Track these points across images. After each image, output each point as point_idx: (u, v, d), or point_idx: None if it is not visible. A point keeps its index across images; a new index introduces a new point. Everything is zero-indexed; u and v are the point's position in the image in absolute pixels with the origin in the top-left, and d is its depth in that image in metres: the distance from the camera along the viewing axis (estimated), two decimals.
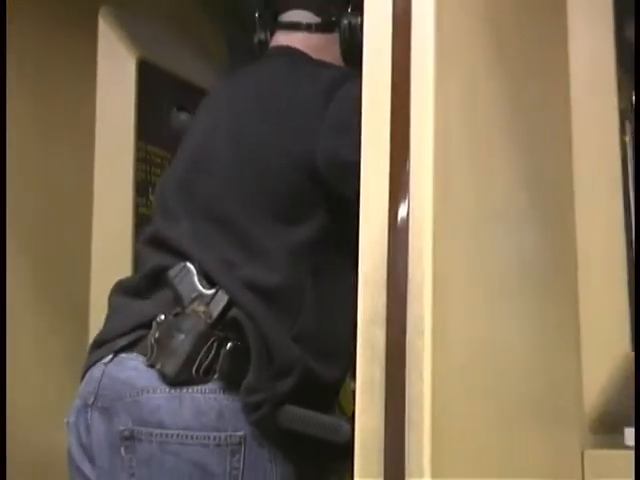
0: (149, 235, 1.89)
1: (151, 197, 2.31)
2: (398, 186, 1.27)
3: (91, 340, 2.15)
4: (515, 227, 1.51)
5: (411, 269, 1.23)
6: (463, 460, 1.26)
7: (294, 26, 1.97)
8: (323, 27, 1.96)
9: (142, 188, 2.30)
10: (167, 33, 2.50)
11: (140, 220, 2.29)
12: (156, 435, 1.61)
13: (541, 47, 1.70)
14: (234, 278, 1.68)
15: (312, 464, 1.70)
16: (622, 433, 1.65)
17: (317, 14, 1.97)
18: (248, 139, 1.81)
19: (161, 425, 1.62)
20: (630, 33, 1.84)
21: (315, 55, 1.94)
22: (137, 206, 2.28)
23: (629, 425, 1.65)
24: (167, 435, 1.61)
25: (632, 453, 1.57)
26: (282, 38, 1.99)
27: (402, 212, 1.27)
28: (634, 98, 1.82)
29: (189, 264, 1.70)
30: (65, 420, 1.80)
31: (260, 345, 1.64)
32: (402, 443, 1.19)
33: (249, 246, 1.72)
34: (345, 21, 1.93)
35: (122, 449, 1.64)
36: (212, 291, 1.66)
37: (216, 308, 1.65)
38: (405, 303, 1.22)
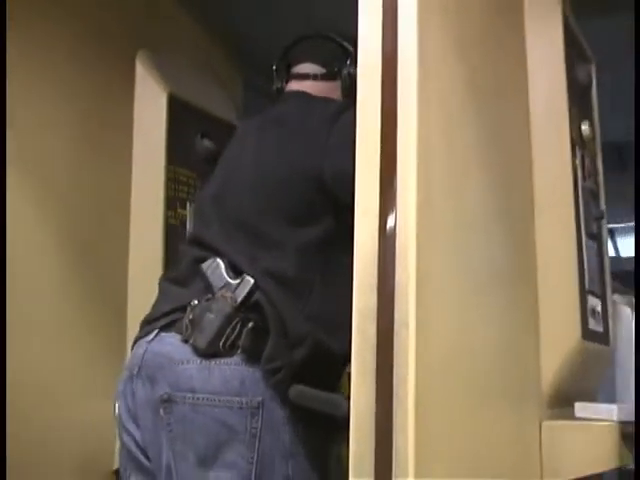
0: (189, 237, 1.95)
1: (179, 210, 2.34)
2: (387, 201, 1.27)
3: (129, 329, 2.19)
4: (486, 235, 1.50)
5: (398, 271, 1.23)
6: (441, 427, 1.26)
7: (304, 76, 2.03)
8: (327, 76, 2.02)
9: (171, 202, 2.32)
10: (193, 73, 2.52)
11: (169, 229, 2.30)
12: (189, 398, 1.64)
13: (507, 85, 1.71)
14: (257, 268, 1.70)
15: (318, 429, 1.69)
16: (573, 407, 1.65)
17: (322, 66, 2.02)
18: (268, 159, 1.85)
19: (193, 390, 1.64)
20: (579, 75, 1.84)
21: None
22: (167, 217, 2.30)
23: (579, 400, 1.66)
24: (198, 398, 1.63)
25: (582, 423, 1.61)
26: (295, 85, 2.04)
27: (390, 223, 1.26)
28: (634, 98, 1.87)
29: (219, 259, 1.73)
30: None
31: (277, 322, 1.66)
32: (390, 415, 1.20)
33: (268, 244, 1.75)
34: (345, 71, 1.99)
35: (161, 410, 1.66)
36: (237, 281, 1.69)
37: (240, 294, 1.67)
38: (393, 300, 1.22)
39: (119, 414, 1.79)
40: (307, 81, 2.02)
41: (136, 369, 1.73)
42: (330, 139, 1.77)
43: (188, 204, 2.34)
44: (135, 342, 1.81)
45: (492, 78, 1.61)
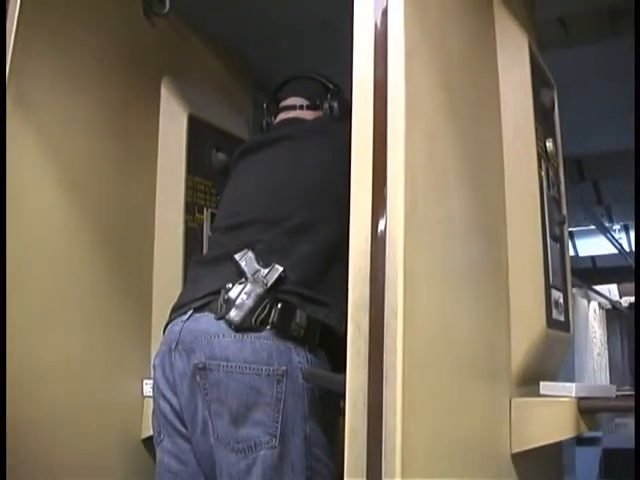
0: (222, 228, 1.94)
1: (197, 215, 2.34)
2: (378, 208, 1.28)
3: (154, 318, 2.19)
4: (464, 237, 1.50)
5: (388, 268, 1.24)
6: (425, 403, 1.27)
7: (291, 107, 2.09)
8: (311, 107, 2.07)
9: (190, 208, 2.31)
10: (209, 95, 2.52)
11: (188, 230, 2.30)
12: (223, 366, 1.65)
13: (482, 108, 1.71)
14: (288, 259, 1.74)
15: (330, 398, 1.70)
16: (538, 385, 1.65)
17: (306, 99, 2.08)
18: (304, 165, 1.89)
19: (227, 359, 1.66)
20: (544, 99, 1.84)
21: None
22: (186, 221, 2.29)
23: (543, 380, 1.66)
24: (231, 366, 1.65)
25: (545, 400, 1.61)
26: (283, 115, 2.10)
27: (381, 226, 1.27)
28: (634, 99, 1.84)
29: (250, 251, 1.74)
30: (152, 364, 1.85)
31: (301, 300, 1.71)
32: (381, 394, 1.21)
33: (300, 238, 1.78)
34: (326, 103, 2.05)
35: (197, 377, 1.68)
36: (268, 269, 1.71)
37: (271, 279, 1.69)
38: (383, 294, 1.23)
39: (156, 384, 1.81)
40: (294, 111, 2.08)
41: (174, 344, 1.75)
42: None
43: (205, 209, 2.34)
44: (169, 322, 1.82)
45: (469, 102, 1.61)
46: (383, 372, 1.21)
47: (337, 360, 1.70)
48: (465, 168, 1.53)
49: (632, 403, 1.71)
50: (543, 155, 1.80)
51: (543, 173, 1.78)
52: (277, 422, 1.63)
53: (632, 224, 6.90)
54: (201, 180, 2.36)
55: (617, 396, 1.70)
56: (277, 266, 1.71)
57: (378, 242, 1.25)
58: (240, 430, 1.63)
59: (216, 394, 1.66)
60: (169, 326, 1.81)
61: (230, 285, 1.71)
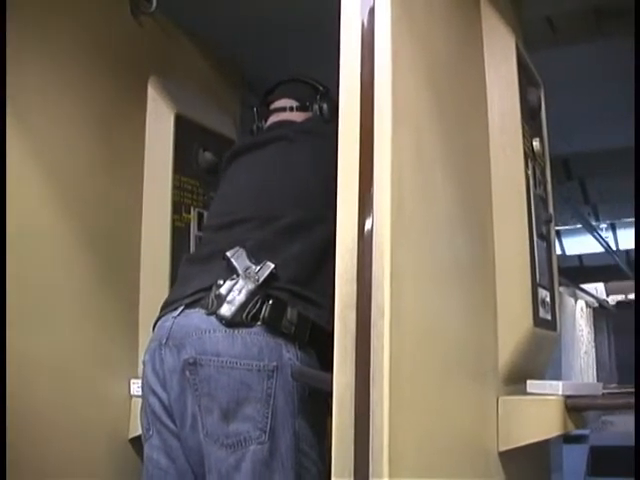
0: (214, 226, 1.95)
1: (184, 214, 2.33)
2: (365, 207, 1.28)
3: (141, 318, 2.18)
4: (451, 235, 1.50)
5: (374, 268, 1.24)
6: (412, 402, 1.26)
7: (281, 109, 2.10)
8: (300, 108, 2.09)
9: (177, 207, 2.31)
10: (196, 95, 2.51)
11: (175, 230, 2.30)
12: (214, 361, 1.66)
13: (469, 107, 1.71)
14: (278, 256, 1.74)
15: (319, 395, 1.69)
16: (525, 384, 1.66)
17: (296, 100, 2.09)
18: (296, 167, 1.90)
19: (218, 354, 1.66)
20: (530, 99, 1.85)
21: None
22: (173, 220, 2.29)
23: (530, 378, 1.67)
24: (222, 361, 1.65)
25: (532, 398, 1.62)
26: (274, 118, 2.11)
27: (368, 225, 1.27)
28: (634, 100, 1.85)
29: (242, 248, 1.74)
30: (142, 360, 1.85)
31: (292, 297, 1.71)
32: (368, 393, 1.20)
33: (290, 237, 1.78)
34: (315, 105, 2.07)
35: (187, 372, 1.68)
36: (259, 266, 1.71)
37: (262, 275, 1.69)
38: (370, 293, 1.23)
39: (146, 379, 1.80)
40: (284, 113, 2.09)
41: (164, 339, 1.75)
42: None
43: (192, 209, 2.34)
44: (160, 318, 1.82)
45: (456, 101, 1.61)
46: (370, 371, 1.20)
47: (327, 358, 1.71)
48: (452, 167, 1.53)
49: (618, 401, 1.72)
50: (530, 154, 1.81)
51: (530, 172, 1.78)
52: (267, 417, 1.63)
53: (619, 223, 6.94)
54: (188, 179, 2.36)
55: (604, 394, 1.71)
56: (269, 263, 1.71)
57: (365, 241, 1.25)
58: (230, 425, 1.63)
59: (206, 389, 1.66)
60: (159, 322, 1.81)
61: (221, 281, 1.71)
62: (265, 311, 1.68)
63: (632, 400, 1.64)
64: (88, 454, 2.01)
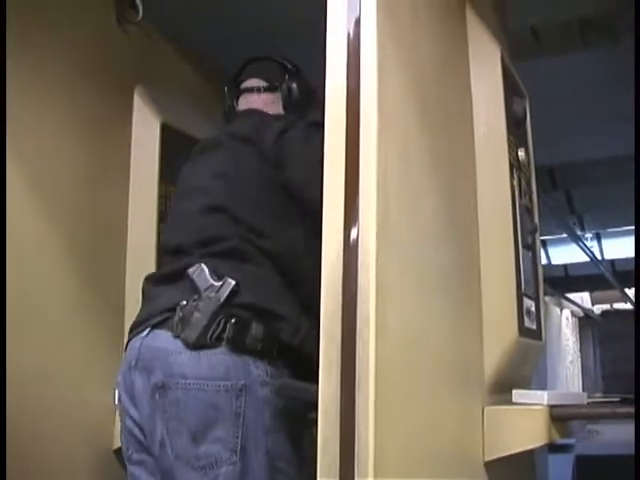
0: (172, 248, 1.89)
1: None
2: (350, 216, 1.27)
3: (126, 328, 2.17)
4: (437, 245, 1.50)
5: (360, 278, 1.23)
6: (398, 413, 1.26)
7: (250, 89, 2.08)
8: (269, 89, 2.07)
9: (163, 216, 2.30)
10: (182, 104, 2.52)
11: (161, 239, 2.27)
12: (181, 384, 1.63)
13: (455, 117, 1.71)
14: (239, 271, 1.71)
15: (293, 411, 1.69)
16: (511, 393, 1.66)
17: (265, 80, 2.08)
18: (237, 173, 1.86)
19: (185, 377, 1.64)
20: (516, 109, 1.85)
21: (265, 108, 2.04)
22: (159, 229, 2.29)
23: (516, 388, 1.67)
24: (189, 384, 1.63)
25: (518, 408, 1.62)
26: (243, 100, 2.10)
27: (353, 235, 1.26)
28: (634, 102, 1.85)
29: (203, 264, 1.72)
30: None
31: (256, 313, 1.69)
32: (353, 404, 1.20)
33: (245, 252, 1.75)
34: (284, 85, 2.04)
35: (157, 395, 1.66)
36: (220, 282, 1.68)
37: (224, 293, 1.67)
38: (355, 303, 1.22)
39: (121, 401, 1.78)
40: (253, 94, 2.08)
41: (134, 361, 1.72)
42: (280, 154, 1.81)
43: None
44: (130, 339, 1.79)
45: (442, 111, 1.61)
46: (355, 382, 1.20)
47: (299, 371, 1.70)
48: (437, 177, 1.53)
49: (604, 410, 1.73)
50: (515, 164, 1.81)
51: (515, 182, 1.79)
52: (237, 437, 1.61)
53: (604, 233, 6.97)
54: (173, 189, 2.35)
55: (589, 403, 1.71)
56: (229, 280, 1.68)
57: (350, 251, 1.25)
58: (200, 447, 1.61)
59: (175, 412, 1.64)
60: (130, 343, 1.79)
61: (184, 302, 1.69)
62: (229, 331, 1.65)
63: (617, 409, 1.65)
64: (72, 464, 2.00)
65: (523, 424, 1.58)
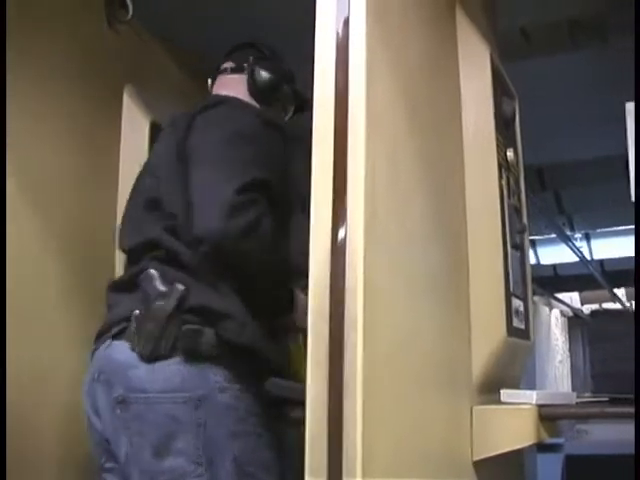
0: (126, 250, 1.89)
1: None
2: (338, 216, 1.27)
3: None
4: (425, 245, 1.50)
5: (348, 279, 1.23)
6: (385, 413, 1.26)
7: (221, 70, 2.10)
8: (235, 70, 2.06)
9: None
10: (172, 103, 2.49)
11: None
12: (140, 398, 1.61)
13: (443, 117, 1.71)
14: (187, 274, 1.67)
15: (261, 412, 1.68)
16: (499, 393, 1.66)
17: (234, 62, 2.08)
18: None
19: (144, 391, 1.61)
20: (505, 109, 1.86)
21: (231, 90, 2.01)
22: None
23: (504, 387, 1.67)
24: (148, 397, 1.61)
25: (506, 407, 1.63)
26: (217, 83, 2.11)
27: (341, 235, 1.26)
28: (634, 103, 1.87)
29: (152, 270, 1.68)
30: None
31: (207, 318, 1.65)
32: (341, 405, 1.19)
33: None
34: (250, 67, 2.03)
35: (118, 410, 1.64)
36: (167, 288, 1.64)
37: (173, 302, 1.63)
38: (343, 304, 1.22)
39: (87, 414, 1.75)
40: (223, 75, 2.08)
41: (96, 374, 1.70)
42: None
43: None
44: (94, 350, 1.76)
45: (431, 111, 1.61)
46: (343, 381, 1.19)
47: (259, 370, 1.68)
48: (426, 176, 1.53)
49: (592, 410, 1.73)
50: (504, 164, 1.81)
51: (504, 182, 1.79)
52: (198, 449, 1.58)
53: (593, 233, 7.00)
54: None
55: (578, 403, 1.71)
56: (178, 286, 1.64)
57: (338, 251, 1.24)
58: (164, 462, 1.58)
59: (137, 427, 1.61)
60: (95, 353, 1.76)
61: (137, 312, 1.65)
62: (182, 340, 1.62)
63: (606, 409, 1.66)
64: (65, 465, 1.98)
65: (512, 424, 1.58)
